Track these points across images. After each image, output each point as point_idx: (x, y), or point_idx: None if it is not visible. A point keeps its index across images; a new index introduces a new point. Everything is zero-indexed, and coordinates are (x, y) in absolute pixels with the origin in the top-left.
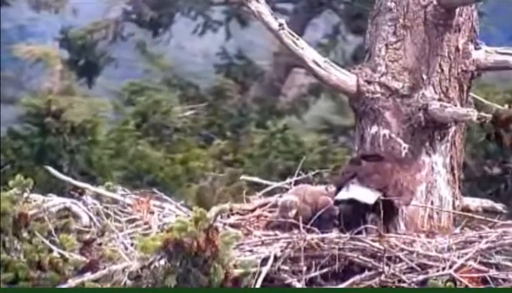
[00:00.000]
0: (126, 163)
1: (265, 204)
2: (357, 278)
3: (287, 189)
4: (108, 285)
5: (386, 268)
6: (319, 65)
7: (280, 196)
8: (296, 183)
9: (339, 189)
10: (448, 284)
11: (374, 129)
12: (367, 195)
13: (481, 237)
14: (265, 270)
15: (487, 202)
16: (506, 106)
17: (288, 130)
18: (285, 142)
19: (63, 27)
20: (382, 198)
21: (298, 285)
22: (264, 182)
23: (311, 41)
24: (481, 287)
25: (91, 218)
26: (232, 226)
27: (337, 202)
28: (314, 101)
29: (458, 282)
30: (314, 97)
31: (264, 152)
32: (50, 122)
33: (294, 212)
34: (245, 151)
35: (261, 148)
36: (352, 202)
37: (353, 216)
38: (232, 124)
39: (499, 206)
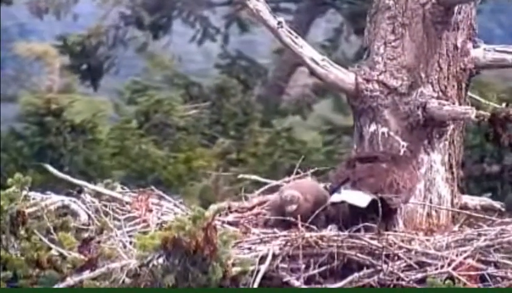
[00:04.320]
0: (128, 162)
1: (264, 202)
2: (355, 275)
3: None
4: (107, 283)
5: (385, 266)
6: (317, 63)
7: (281, 191)
8: None
9: (333, 193)
10: (447, 282)
11: (373, 127)
12: (359, 198)
13: (479, 234)
14: (263, 268)
15: (486, 200)
16: (504, 105)
17: (294, 129)
18: (291, 141)
19: (63, 30)
20: (378, 198)
21: (297, 283)
22: (263, 180)
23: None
24: (480, 285)
25: (89, 216)
26: (230, 224)
27: (331, 204)
28: (317, 101)
29: (456, 280)
30: (318, 97)
31: (269, 151)
32: (50, 122)
33: (294, 207)
34: (249, 149)
35: (266, 147)
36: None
37: (350, 215)
38: (236, 122)
39: (497, 204)
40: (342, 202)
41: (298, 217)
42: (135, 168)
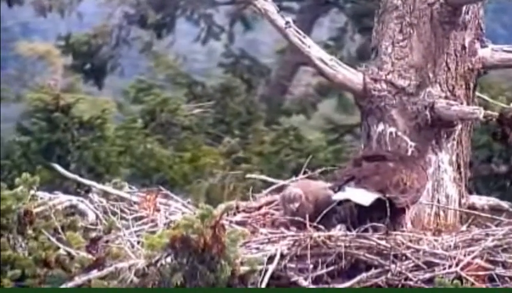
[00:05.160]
0: (134, 161)
1: (271, 202)
2: (363, 275)
3: None
4: (115, 283)
5: (393, 266)
6: (325, 63)
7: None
8: None
9: (337, 190)
10: (455, 282)
11: (380, 127)
12: (363, 196)
13: (487, 235)
14: (271, 267)
15: (494, 201)
16: None
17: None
18: (298, 139)
19: (66, 29)
20: (385, 197)
21: (305, 283)
22: (270, 179)
23: (317, 40)
24: (488, 285)
25: (97, 216)
26: (238, 223)
27: (336, 203)
28: (321, 100)
29: (464, 280)
30: (321, 96)
31: (275, 150)
32: (59, 118)
33: (297, 204)
34: (254, 148)
35: (272, 145)
36: (349, 201)
37: (358, 215)
38: (240, 122)
39: (505, 204)
40: (346, 200)
41: (307, 216)
42: (140, 168)
